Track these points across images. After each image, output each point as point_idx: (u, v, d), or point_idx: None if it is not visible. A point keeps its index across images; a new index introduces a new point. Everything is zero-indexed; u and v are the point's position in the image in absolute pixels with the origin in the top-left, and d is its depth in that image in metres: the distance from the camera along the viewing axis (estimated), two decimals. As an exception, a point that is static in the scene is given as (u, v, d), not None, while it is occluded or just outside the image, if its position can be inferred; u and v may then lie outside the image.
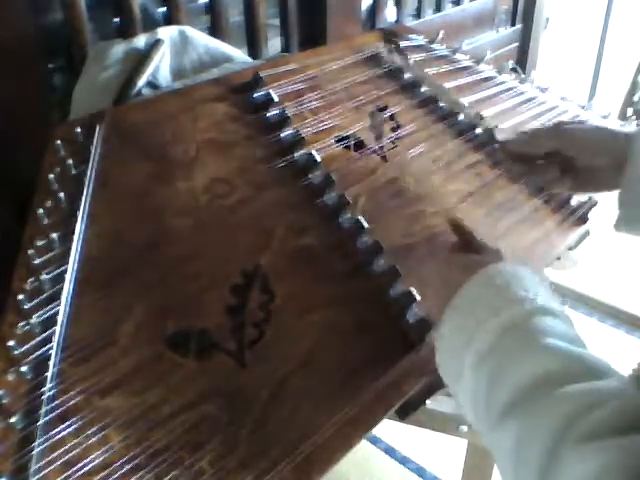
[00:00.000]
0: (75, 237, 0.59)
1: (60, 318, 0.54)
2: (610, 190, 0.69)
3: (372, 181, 0.76)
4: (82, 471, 0.47)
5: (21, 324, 0.52)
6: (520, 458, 0.41)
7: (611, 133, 0.69)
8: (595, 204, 0.84)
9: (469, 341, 0.48)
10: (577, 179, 0.70)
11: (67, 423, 0.49)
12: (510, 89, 1.00)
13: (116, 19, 0.96)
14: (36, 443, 0.47)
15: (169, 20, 1.00)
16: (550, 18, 2.17)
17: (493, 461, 0.95)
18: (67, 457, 0.47)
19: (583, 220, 0.83)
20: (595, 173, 0.69)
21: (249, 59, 1.04)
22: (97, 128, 0.67)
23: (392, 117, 0.86)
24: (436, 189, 0.79)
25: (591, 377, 0.41)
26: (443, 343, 0.52)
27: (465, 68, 1.00)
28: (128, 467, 0.48)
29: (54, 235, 0.58)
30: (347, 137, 0.79)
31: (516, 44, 1.83)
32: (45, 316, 0.53)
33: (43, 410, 0.49)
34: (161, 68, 0.89)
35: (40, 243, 0.58)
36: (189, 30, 0.95)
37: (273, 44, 1.20)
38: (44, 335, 0.52)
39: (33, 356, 0.51)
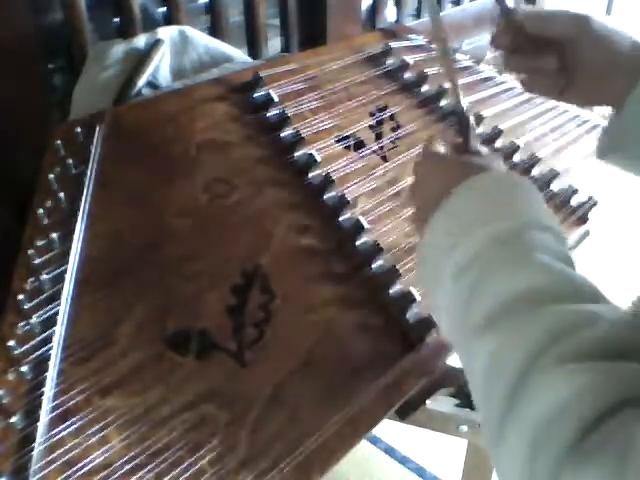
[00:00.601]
0: (75, 237, 0.59)
1: (60, 318, 0.54)
2: (600, 104, 0.63)
3: (372, 181, 0.76)
4: (82, 471, 0.47)
5: (21, 324, 0.52)
6: (491, 378, 0.37)
7: (632, 43, 0.58)
8: (595, 204, 0.84)
9: (453, 247, 0.44)
10: (572, 84, 0.60)
11: (67, 423, 0.49)
12: (510, 89, 1.00)
13: (116, 19, 0.96)
14: (36, 443, 0.47)
15: (169, 20, 1.00)
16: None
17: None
18: (67, 457, 0.47)
19: (583, 220, 0.83)
20: (594, 81, 0.59)
21: (249, 59, 1.04)
22: (97, 128, 0.67)
23: (392, 117, 0.86)
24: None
25: (581, 299, 0.38)
26: (426, 249, 0.48)
27: (465, 68, 1.00)
28: (128, 467, 0.48)
29: (54, 235, 0.58)
30: (347, 137, 0.79)
31: (516, 44, 1.82)
32: (45, 316, 0.53)
33: (43, 410, 0.49)
34: (161, 68, 0.89)
35: (40, 243, 0.58)
36: (189, 30, 0.95)
37: (273, 44, 1.20)
38: (44, 335, 0.52)
39: (33, 356, 0.51)
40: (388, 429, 1.47)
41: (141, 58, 0.87)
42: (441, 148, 0.54)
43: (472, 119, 0.56)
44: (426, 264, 0.48)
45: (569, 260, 0.42)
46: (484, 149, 0.55)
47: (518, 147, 0.86)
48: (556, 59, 0.59)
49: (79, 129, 0.66)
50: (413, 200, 0.55)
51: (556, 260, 0.40)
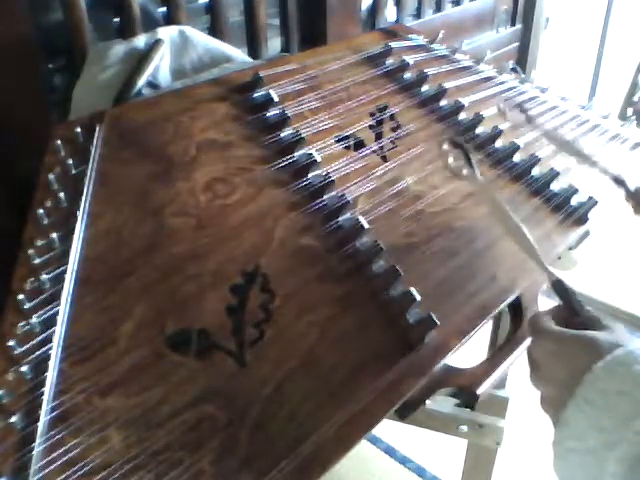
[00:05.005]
0: (75, 237, 0.59)
1: (60, 318, 0.54)
2: None
3: (372, 181, 0.76)
4: (82, 471, 0.47)
5: (21, 324, 0.52)
6: None
7: None
8: (595, 204, 0.84)
9: (612, 444, 0.40)
10: None
11: (67, 423, 0.49)
12: (510, 89, 1.00)
13: (116, 19, 0.96)
14: (36, 443, 0.47)
15: (169, 20, 1.01)
16: (550, 18, 2.17)
17: (493, 461, 0.95)
18: (67, 457, 0.47)
19: (583, 220, 0.83)
20: None
21: (249, 59, 1.04)
22: (97, 128, 0.67)
23: (392, 117, 0.86)
24: (436, 189, 0.79)
25: None
26: (570, 443, 0.44)
27: (465, 68, 1.00)
28: (128, 467, 0.48)
29: (54, 235, 0.58)
30: (347, 137, 0.79)
31: (516, 44, 1.83)
32: (45, 316, 0.53)
33: (43, 410, 0.49)
34: (161, 68, 0.89)
35: (40, 243, 0.58)
36: (189, 30, 0.95)
37: (273, 44, 1.20)
38: (44, 335, 0.52)
39: (33, 356, 0.51)
40: (388, 429, 1.47)
41: (141, 58, 0.87)
42: (549, 322, 0.51)
43: (571, 287, 0.54)
44: (571, 462, 0.44)
45: None
46: (590, 312, 0.52)
47: (518, 147, 0.86)
48: None
49: (79, 129, 0.66)
50: (536, 386, 0.51)
51: None
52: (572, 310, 0.52)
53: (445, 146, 0.73)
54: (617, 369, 0.43)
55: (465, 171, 0.69)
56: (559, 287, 0.54)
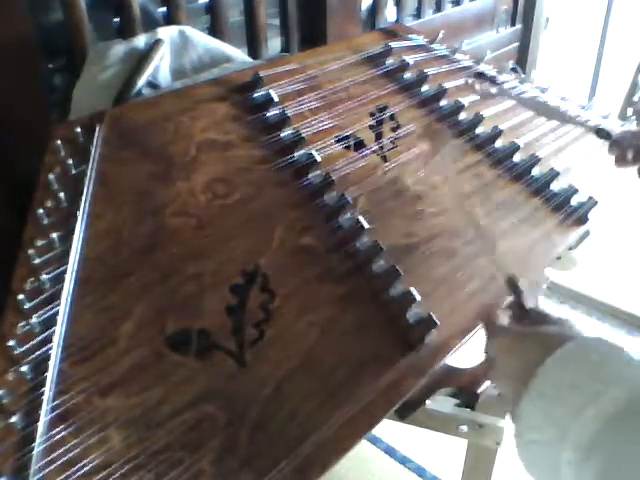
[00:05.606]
0: (75, 237, 0.59)
1: (60, 318, 0.54)
2: None
3: (372, 181, 0.76)
4: (82, 471, 0.47)
5: (21, 324, 0.52)
6: None
7: None
8: (595, 204, 0.84)
9: (564, 433, 0.41)
10: None
11: (67, 423, 0.49)
12: (510, 89, 1.00)
13: (116, 19, 0.96)
14: (36, 443, 0.47)
15: (169, 20, 1.01)
16: (550, 18, 2.17)
17: (493, 461, 0.95)
18: (67, 457, 0.47)
19: (583, 220, 0.83)
20: None
21: (249, 59, 1.04)
22: (97, 128, 0.67)
23: (392, 117, 0.86)
24: (436, 189, 0.79)
25: None
26: (530, 435, 0.44)
27: (465, 68, 1.00)
28: (128, 467, 0.48)
29: (54, 235, 0.58)
30: (347, 137, 0.79)
31: (516, 44, 1.83)
32: (45, 316, 0.53)
33: (43, 410, 0.49)
34: (161, 68, 0.89)
35: (40, 243, 0.58)
36: (189, 30, 0.95)
37: (273, 44, 1.20)
38: (44, 335, 0.52)
39: (33, 356, 0.51)
40: (388, 429, 1.47)
41: (141, 58, 0.87)
42: (504, 319, 0.53)
43: (522, 284, 0.56)
44: (532, 453, 0.45)
45: None
46: (538, 308, 0.53)
47: (518, 147, 0.86)
48: None
49: (79, 129, 0.66)
50: (494, 383, 0.54)
51: None
52: (522, 306, 0.54)
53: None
54: (568, 362, 0.44)
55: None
56: (511, 283, 0.56)
